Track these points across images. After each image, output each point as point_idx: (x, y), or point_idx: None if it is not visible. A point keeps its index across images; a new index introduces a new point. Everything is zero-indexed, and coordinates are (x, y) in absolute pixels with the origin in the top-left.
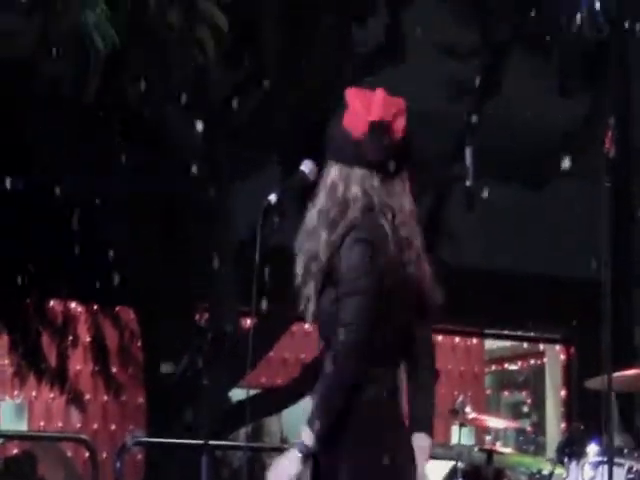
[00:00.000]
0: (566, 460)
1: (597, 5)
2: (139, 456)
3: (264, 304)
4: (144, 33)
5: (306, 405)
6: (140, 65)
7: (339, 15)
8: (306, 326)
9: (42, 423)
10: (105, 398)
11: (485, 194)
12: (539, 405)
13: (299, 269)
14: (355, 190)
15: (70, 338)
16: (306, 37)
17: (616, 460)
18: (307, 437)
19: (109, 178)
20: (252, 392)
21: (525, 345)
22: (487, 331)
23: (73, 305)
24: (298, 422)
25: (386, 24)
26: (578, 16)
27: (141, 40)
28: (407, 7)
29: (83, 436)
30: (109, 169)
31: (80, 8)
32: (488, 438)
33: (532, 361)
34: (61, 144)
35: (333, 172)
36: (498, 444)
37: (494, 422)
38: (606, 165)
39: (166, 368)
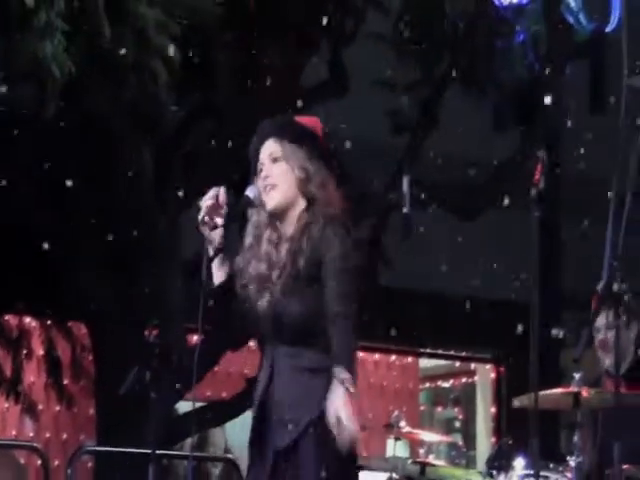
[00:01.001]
0: (495, 473)
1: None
2: (89, 464)
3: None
4: (100, 63)
5: (249, 418)
6: (97, 93)
7: (286, 51)
8: (250, 343)
9: None
10: (57, 408)
11: (422, 222)
12: (470, 420)
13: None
14: None
15: (24, 351)
16: (256, 71)
17: (542, 473)
18: (344, 374)
19: (60, 196)
20: (198, 404)
21: (457, 364)
22: (422, 350)
23: (27, 320)
24: (241, 433)
25: (329, 60)
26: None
27: (97, 69)
28: (349, 44)
29: (36, 444)
30: (61, 186)
31: (39, 39)
32: (422, 451)
33: (464, 379)
34: (15, 166)
35: None
36: (431, 457)
37: (427, 436)
38: (536, 196)
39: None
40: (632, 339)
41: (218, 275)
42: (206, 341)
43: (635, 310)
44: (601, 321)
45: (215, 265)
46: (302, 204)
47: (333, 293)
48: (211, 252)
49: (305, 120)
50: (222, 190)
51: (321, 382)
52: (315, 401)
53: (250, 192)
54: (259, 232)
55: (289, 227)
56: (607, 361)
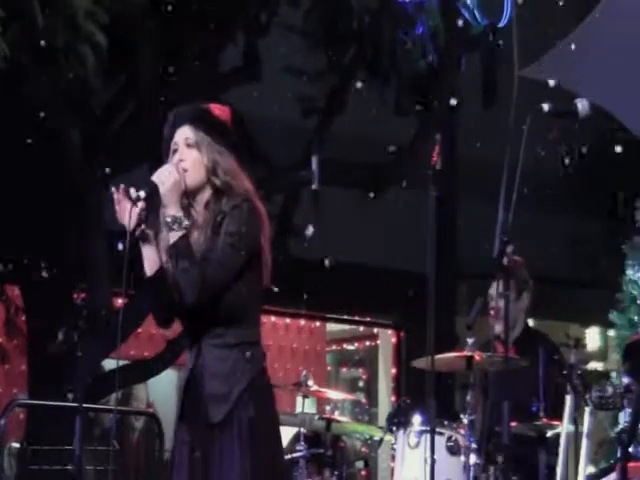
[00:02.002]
0: (394, 429)
1: (428, 38)
2: (21, 416)
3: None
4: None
5: (169, 375)
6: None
7: (205, 40)
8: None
9: None
10: None
11: (329, 198)
12: (372, 380)
13: None
14: None
15: None
16: (176, 58)
17: (437, 429)
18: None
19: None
20: (122, 363)
21: (361, 328)
22: (329, 315)
23: None
24: (163, 389)
25: (244, 49)
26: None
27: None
28: (263, 35)
29: None
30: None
31: None
32: (328, 408)
33: (367, 342)
34: None
35: None
36: (336, 413)
37: (333, 394)
38: (433, 175)
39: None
40: (522, 309)
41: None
42: (130, 304)
43: (527, 282)
44: (493, 290)
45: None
46: (209, 191)
47: (213, 258)
48: (132, 225)
49: (219, 109)
50: (132, 190)
51: (245, 355)
52: (241, 374)
53: (142, 193)
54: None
55: (199, 212)
56: (497, 327)
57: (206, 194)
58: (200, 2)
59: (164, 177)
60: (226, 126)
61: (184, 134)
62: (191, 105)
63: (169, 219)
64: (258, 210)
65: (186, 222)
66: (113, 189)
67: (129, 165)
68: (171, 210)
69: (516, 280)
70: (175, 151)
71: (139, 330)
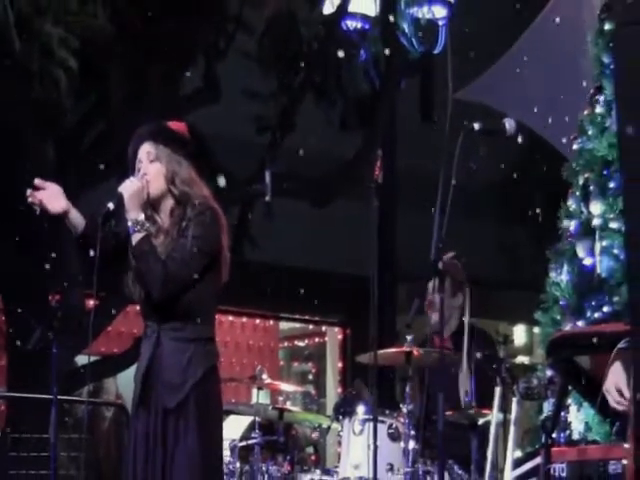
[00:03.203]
0: (341, 417)
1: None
2: (2, 407)
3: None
4: (11, 71)
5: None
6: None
7: (167, 64)
8: (137, 307)
9: None
10: None
11: (281, 208)
12: (321, 374)
13: None
14: None
15: None
16: (142, 81)
17: (380, 418)
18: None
19: None
20: (93, 358)
21: (311, 326)
22: (281, 314)
23: None
24: (131, 383)
25: (204, 73)
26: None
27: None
28: (221, 59)
29: None
30: None
31: None
32: (280, 399)
33: (316, 339)
34: None
35: None
36: (288, 404)
37: (285, 386)
38: (375, 188)
39: (31, 343)
40: (456, 307)
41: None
42: (100, 306)
43: (462, 284)
44: (430, 285)
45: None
46: (171, 200)
47: (177, 257)
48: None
49: (175, 125)
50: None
51: (201, 350)
52: (196, 367)
53: (111, 204)
54: None
55: (164, 219)
56: (434, 317)
57: (169, 202)
58: (164, 29)
59: (127, 186)
60: (183, 137)
61: (146, 150)
62: (150, 124)
63: (130, 222)
64: (219, 216)
65: (147, 225)
66: (29, 192)
67: (98, 179)
68: (132, 214)
69: (451, 281)
70: (139, 168)
71: (109, 329)
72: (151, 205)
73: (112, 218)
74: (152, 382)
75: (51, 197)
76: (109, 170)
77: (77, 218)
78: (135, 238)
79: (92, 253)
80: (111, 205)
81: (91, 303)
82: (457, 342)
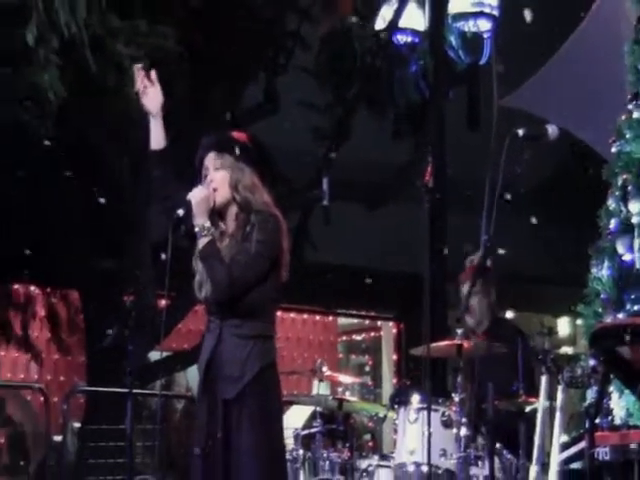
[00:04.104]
0: (396, 406)
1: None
2: (81, 400)
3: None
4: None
5: None
6: (85, 112)
7: (230, 79)
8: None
9: (9, 375)
10: (56, 357)
11: (338, 212)
12: (377, 366)
13: None
14: None
15: (30, 313)
16: (207, 95)
17: (433, 407)
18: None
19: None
20: (165, 354)
21: (367, 321)
22: (340, 311)
23: (32, 288)
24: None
25: (264, 87)
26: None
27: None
28: (280, 73)
29: (39, 385)
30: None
31: (39, 70)
32: (339, 390)
33: (372, 333)
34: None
35: None
36: (347, 394)
37: (344, 378)
38: (426, 191)
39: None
40: (489, 305)
41: None
42: (172, 305)
43: (493, 280)
44: (464, 290)
45: None
46: (236, 206)
47: (241, 261)
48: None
49: (238, 135)
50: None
51: (260, 347)
52: (254, 362)
53: (181, 211)
54: None
55: (230, 224)
56: (470, 321)
57: (234, 208)
58: (225, 48)
59: (195, 194)
60: (245, 145)
61: (211, 159)
62: (214, 135)
63: (197, 228)
64: (280, 222)
65: (213, 230)
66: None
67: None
68: (199, 220)
69: (483, 281)
70: (206, 175)
71: (179, 326)
72: (217, 211)
73: (182, 224)
74: (213, 374)
75: (152, 95)
76: (177, 179)
77: (158, 132)
78: (202, 242)
79: (163, 256)
80: (181, 212)
81: (163, 303)
82: (491, 336)
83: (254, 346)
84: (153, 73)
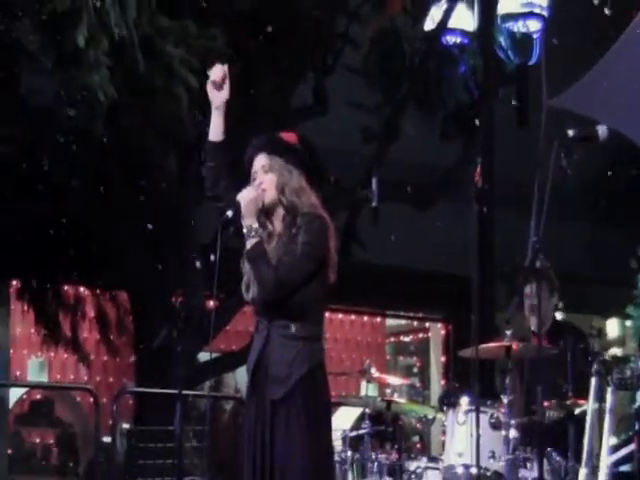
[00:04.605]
0: (445, 408)
1: (469, 74)
2: (130, 402)
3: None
4: (136, 89)
5: None
6: (134, 112)
7: (279, 80)
8: (252, 307)
9: (59, 376)
10: (105, 358)
11: (386, 212)
12: (425, 367)
13: None
14: None
15: (80, 314)
16: (256, 96)
17: (481, 409)
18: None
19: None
20: (214, 355)
21: (415, 323)
22: (388, 312)
23: (82, 289)
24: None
25: (313, 87)
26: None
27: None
28: (329, 74)
29: (89, 386)
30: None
31: (89, 71)
32: (388, 391)
33: (420, 335)
34: (73, 167)
35: None
36: (395, 395)
37: (392, 379)
38: (475, 192)
39: (157, 342)
40: (552, 308)
41: None
42: (220, 306)
43: (556, 283)
44: (529, 290)
45: None
46: (283, 207)
47: (287, 262)
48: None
49: (287, 136)
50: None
51: (308, 348)
52: (302, 363)
53: (230, 212)
54: None
55: (277, 224)
56: (533, 320)
57: (281, 210)
58: (274, 49)
59: (244, 195)
60: (294, 147)
61: (260, 161)
62: (263, 136)
63: (246, 229)
64: (327, 223)
65: (260, 231)
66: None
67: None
68: (247, 221)
69: (547, 282)
70: (255, 177)
71: (227, 327)
72: (265, 212)
73: (231, 225)
74: (261, 375)
75: (220, 90)
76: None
77: (218, 125)
78: (249, 243)
79: (212, 258)
80: (230, 213)
81: (211, 304)
82: (552, 338)
83: (302, 347)
84: (227, 67)
